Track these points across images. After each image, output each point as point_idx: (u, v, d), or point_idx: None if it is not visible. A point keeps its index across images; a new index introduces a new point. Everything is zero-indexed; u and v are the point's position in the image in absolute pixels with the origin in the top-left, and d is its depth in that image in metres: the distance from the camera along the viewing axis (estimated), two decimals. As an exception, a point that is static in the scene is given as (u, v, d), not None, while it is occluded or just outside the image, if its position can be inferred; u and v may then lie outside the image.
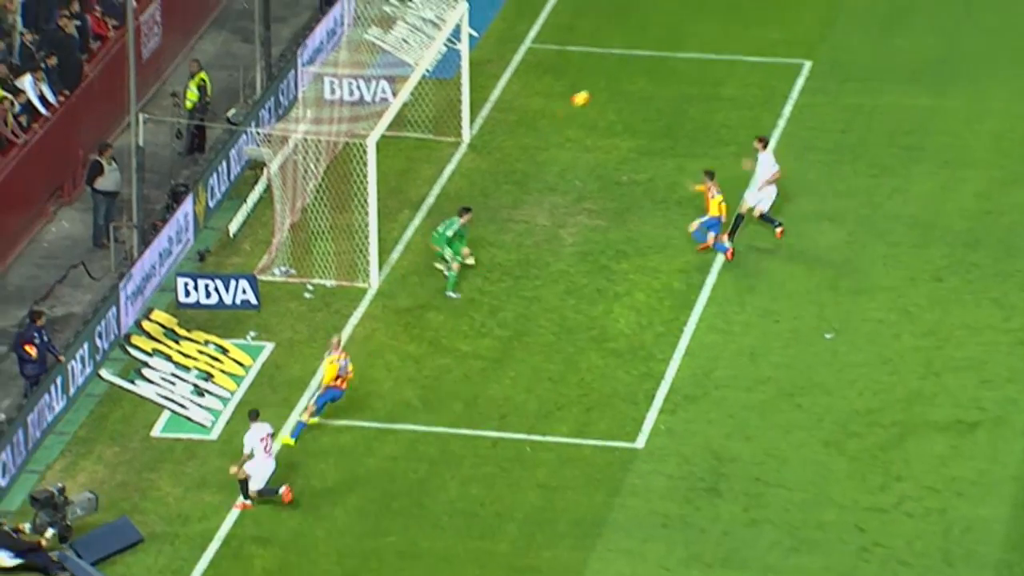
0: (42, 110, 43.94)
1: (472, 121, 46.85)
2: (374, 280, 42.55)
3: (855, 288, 42.00)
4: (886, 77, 48.17)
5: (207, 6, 50.36)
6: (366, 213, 42.52)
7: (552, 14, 51.05)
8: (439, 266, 42.48)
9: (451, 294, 42.20)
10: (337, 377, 38.66)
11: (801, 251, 43.11)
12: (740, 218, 42.93)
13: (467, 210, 42.60)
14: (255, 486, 37.01)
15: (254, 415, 37.33)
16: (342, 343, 39.39)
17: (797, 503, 37.23)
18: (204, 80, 46.16)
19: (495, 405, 39.54)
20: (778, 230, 43.01)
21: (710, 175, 42.58)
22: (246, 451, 36.92)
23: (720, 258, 42.80)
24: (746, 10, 50.77)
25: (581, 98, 46.35)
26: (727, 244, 42.54)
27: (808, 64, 48.78)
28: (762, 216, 43.15)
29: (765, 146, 43.23)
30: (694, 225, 42.59)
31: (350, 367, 38.88)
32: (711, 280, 42.37)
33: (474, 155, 46.06)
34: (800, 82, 48.18)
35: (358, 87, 46.34)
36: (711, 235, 42.63)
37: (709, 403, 39.45)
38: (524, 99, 47.61)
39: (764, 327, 41.27)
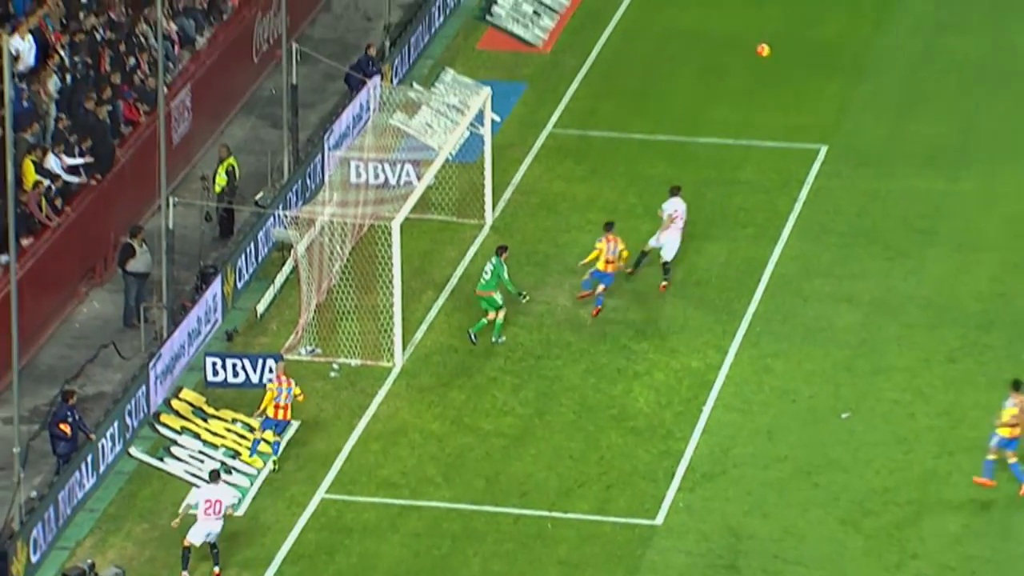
0: (70, 178, 43.88)
1: (495, 204, 46.96)
2: (398, 359, 42.60)
3: (871, 368, 42.01)
4: (900, 161, 48.28)
5: (236, 92, 50.57)
6: (391, 294, 42.60)
7: (573, 99, 51.22)
8: (489, 315, 42.57)
9: (497, 340, 42.47)
10: (276, 406, 39.06)
11: (818, 331, 43.14)
12: (644, 255, 44.02)
13: (504, 248, 42.87)
14: (189, 539, 36.83)
15: (214, 475, 37.62)
16: (283, 368, 39.73)
17: (814, 580, 37.28)
18: (233, 165, 46.35)
19: (516, 482, 39.53)
20: (663, 284, 43.85)
21: (608, 226, 43.19)
22: (189, 501, 37.24)
23: (739, 337, 42.80)
24: (762, 96, 50.94)
25: (766, 50, 46.80)
26: (602, 299, 43.18)
27: (824, 149, 48.89)
28: (664, 264, 43.97)
29: (673, 193, 44.04)
30: (585, 274, 43.42)
31: (296, 392, 39.23)
32: (729, 360, 42.39)
33: (497, 237, 46.15)
34: (816, 166, 48.26)
35: (383, 171, 46.49)
36: (600, 287, 43.14)
37: (727, 481, 39.42)
38: (546, 183, 47.75)
39: (781, 406, 41.27)
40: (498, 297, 42.71)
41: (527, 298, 43.55)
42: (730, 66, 52.05)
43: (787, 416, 40.99)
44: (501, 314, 42.73)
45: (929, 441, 40.19)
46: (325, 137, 48.16)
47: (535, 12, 54.41)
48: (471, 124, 46.24)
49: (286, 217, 44.76)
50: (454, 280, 45.05)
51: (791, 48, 52.56)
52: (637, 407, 41.30)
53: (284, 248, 44.94)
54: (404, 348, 42.81)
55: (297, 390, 39.65)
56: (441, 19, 53.93)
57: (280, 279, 44.80)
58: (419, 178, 45.03)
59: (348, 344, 42.76)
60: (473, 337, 42.74)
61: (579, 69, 52.30)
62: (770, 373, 42.13)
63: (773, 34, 52.89)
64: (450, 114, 46.00)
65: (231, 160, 46.44)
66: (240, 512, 38.63)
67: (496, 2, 54.55)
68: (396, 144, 45.93)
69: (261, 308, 44.25)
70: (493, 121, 47.31)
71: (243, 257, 44.70)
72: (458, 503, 39.06)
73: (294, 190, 46.52)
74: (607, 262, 43.18)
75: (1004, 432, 38.42)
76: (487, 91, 46.93)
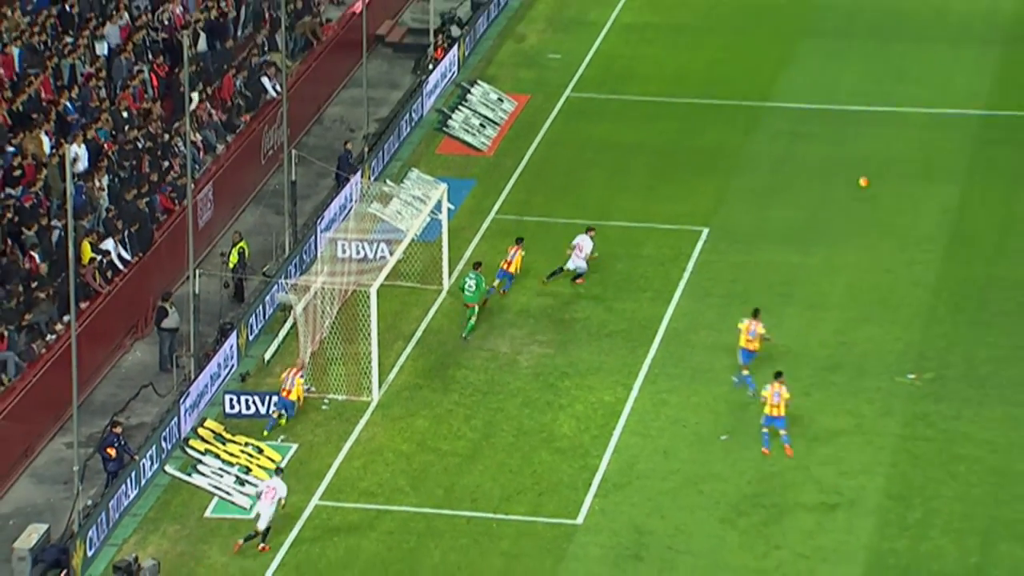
0: (120, 267, 44.01)
1: (451, 273, 46.89)
2: (375, 395, 42.46)
3: (743, 402, 41.98)
4: (764, 240, 48.25)
5: (248, 187, 50.49)
6: (369, 344, 42.49)
7: (511, 192, 51.21)
8: (472, 319, 43.89)
9: (466, 337, 43.67)
10: (284, 390, 40.93)
11: (702, 372, 43.08)
12: (560, 270, 45.54)
13: (479, 264, 44.57)
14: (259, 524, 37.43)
15: (278, 471, 38.12)
16: (304, 365, 41.19)
17: (700, 567, 37.10)
18: (243, 248, 46.25)
19: (468, 491, 39.41)
20: (578, 281, 45.74)
21: (518, 241, 45.36)
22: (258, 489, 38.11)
23: (641, 377, 42.73)
24: (658, 190, 50.98)
25: (864, 182, 47.88)
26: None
27: (706, 231, 48.88)
28: (576, 276, 45.78)
29: (588, 232, 45.66)
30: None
31: (296, 383, 40.75)
32: (633, 394, 42.32)
33: (452, 299, 46.08)
34: (700, 244, 48.25)
35: (363, 248, 46.38)
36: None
37: (632, 490, 39.35)
38: (491, 257, 47.67)
39: (674, 431, 41.21)
40: (477, 307, 43.82)
41: (504, 292, 45.09)
42: (632, 167, 52.12)
43: (679, 439, 40.95)
44: (474, 318, 43.78)
45: (788, 457, 40.18)
46: (317, 222, 48.12)
47: (481, 124, 54.48)
48: (432, 212, 46.22)
49: (287, 284, 44.66)
50: (419, 333, 44.95)
51: (680, 152, 52.70)
52: (562, 432, 41.23)
53: (286, 309, 44.80)
54: (380, 386, 42.69)
55: (298, 383, 40.96)
56: (408, 130, 53.96)
57: (283, 333, 44.65)
58: (391, 254, 44.93)
59: (336, 383, 42.62)
60: (467, 337, 43.85)
61: (516, 168, 52.30)
62: (665, 405, 42.11)
63: (666, 143, 53.26)
64: (415, 204, 45.93)
65: (242, 243, 46.36)
66: (252, 515, 38.42)
67: (451, 116, 54.59)
68: (373, 227, 45.82)
69: (268, 355, 44.10)
70: (449, 209, 47.31)
71: (253, 316, 44.58)
72: (422, 508, 38.90)
73: (293, 263, 46.42)
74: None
75: (770, 411, 39.74)
76: (444, 186, 46.93)
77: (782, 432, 39.96)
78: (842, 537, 37.65)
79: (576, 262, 45.92)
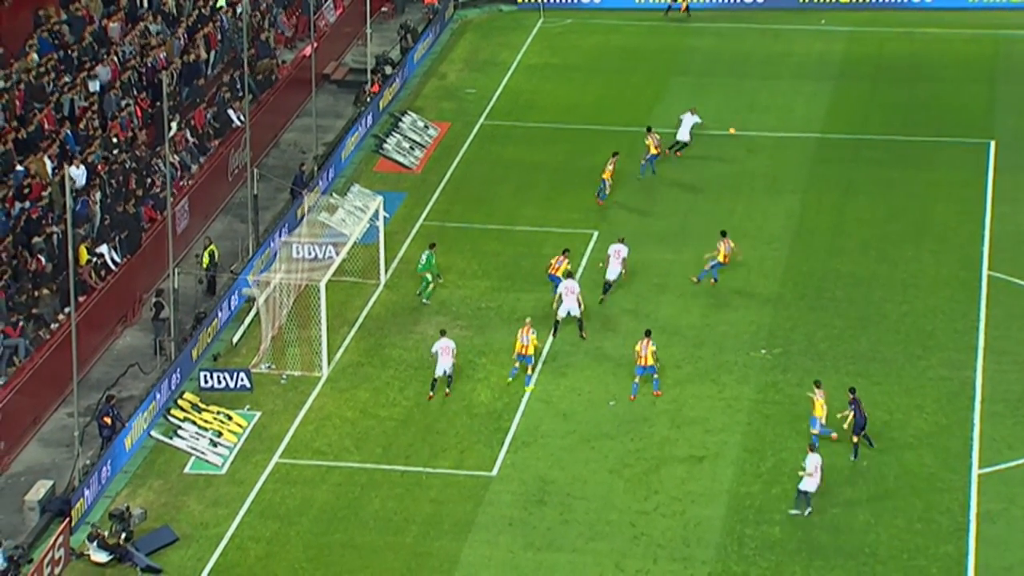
0: (112, 266, 43.53)
1: (387, 270, 46.73)
2: (325, 371, 42.24)
3: (626, 373, 42.06)
4: (644, 241, 47.84)
5: (218, 200, 50.10)
6: (320, 329, 42.27)
7: (436, 203, 51.06)
8: (426, 289, 43.92)
9: (426, 301, 43.52)
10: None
11: (594, 350, 43.14)
12: (609, 285, 44.64)
13: (433, 244, 44.41)
14: (436, 373, 40.23)
15: (443, 332, 40.84)
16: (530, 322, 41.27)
17: (593, 509, 37.18)
18: (214, 250, 45.92)
19: (402, 449, 39.29)
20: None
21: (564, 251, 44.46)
22: (432, 350, 40.40)
23: (545, 353, 42.69)
24: (557, 200, 50.89)
25: (732, 131, 49.17)
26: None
27: (596, 233, 48.81)
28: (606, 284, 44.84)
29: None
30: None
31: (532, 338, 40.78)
32: (539, 369, 42.33)
33: (388, 292, 45.92)
34: (591, 244, 48.25)
35: (315, 250, 46.19)
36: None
37: (537, 447, 39.36)
38: (418, 256, 47.35)
39: (571, 398, 41.24)
40: (429, 276, 44.01)
41: (441, 280, 44.61)
42: (535, 181, 52.05)
43: (575, 404, 40.98)
44: (432, 286, 44.00)
45: (665, 419, 40.31)
46: (277, 228, 47.82)
47: (411, 147, 54.29)
48: (370, 219, 46.02)
49: (251, 280, 44.35)
50: (361, 319, 44.75)
51: (574, 170, 52.64)
52: (480, 400, 41.16)
53: (251, 300, 44.52)
54: (329, 364, 42.47)
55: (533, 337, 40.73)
56: (350, 152, 53.72)
57: (248, 320, 44.35)
58: (337, 254, 44.76)
59: (292, 361, 42.36)
60: (425, 300, 43.82)
61: (439, 184, 52.13)
62: (564, 376, 42.08)
63: (562, 162, 53.24)
64: (357, 213, 45.71)
65: (213, 247, 46.02)
66: (223, 471, 38.14)
67: (385, 140, 54.38)
68: (322, 232, 45.58)
69: (235, 339, 43.78)
70: (384, 217, 47.11)
71: (223, 307, 44.24)
72: (364, 464, 38.78)
73: (256, 263, 46.10)
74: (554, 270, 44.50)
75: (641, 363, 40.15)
76: (380, 198, 46.73)
77: (655, 377, 40.02)
78: (708, 483, 37.85)
79: (614, 270, 44.35)
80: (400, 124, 55.30)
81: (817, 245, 47.80)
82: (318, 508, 37.29)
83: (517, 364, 41.37)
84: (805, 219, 49.29)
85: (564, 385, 41.72)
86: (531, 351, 41.14)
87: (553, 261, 44.86)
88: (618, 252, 45.02)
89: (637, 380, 40.31)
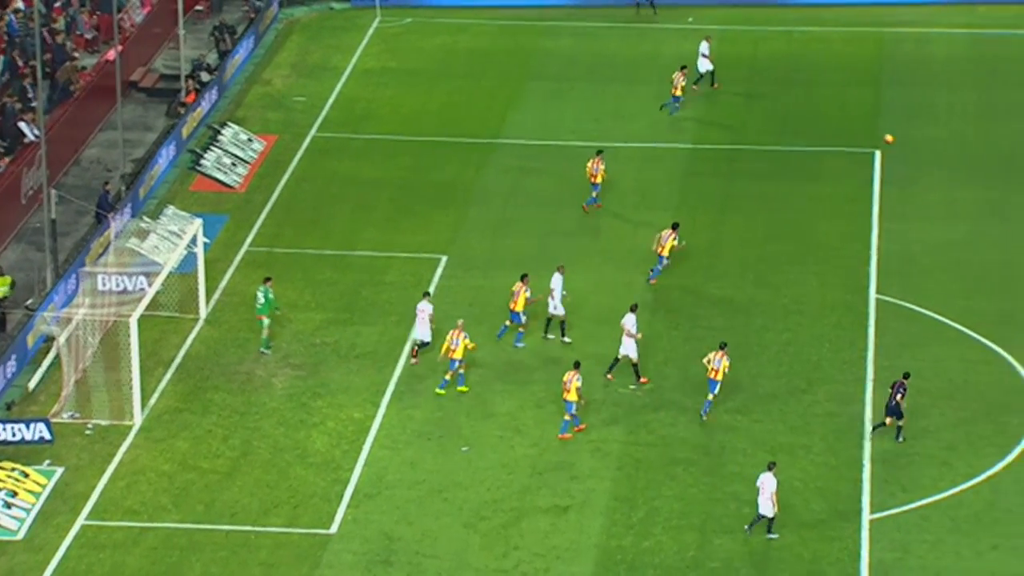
0: None
1: (208, 303, 46.34)
2: (138, 419, 41.73)
3: (482, 414, 42.18)
4: (496, 267, 48.46)
5: (10, 225, 49.30)
6: (131, 371, 41.76)
7: (263, 226, 50.81)
8: (266, 338, 43.70)
9: (264, 351, 43.49)
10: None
11: (447, 389, 43.21)
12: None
13: (269, 279, 44.16)
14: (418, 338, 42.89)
15: (426, 295, 43.59)
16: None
17: (445, 569, 37.15)
18: (6, 283, 45.14)
19: (228, 506, 38.92)
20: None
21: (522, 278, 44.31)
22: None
23: (388, 395, 42.66)
24: (400, 222, 51.01)
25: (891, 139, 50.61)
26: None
27: (445, 258, 49.07)
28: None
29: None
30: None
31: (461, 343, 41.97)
32: (381, 411, 42.25)
33: (209, 327, 45.54)
34: (440, 270, 48.43)
35: (123, 281, 45.58)
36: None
37: (382, 499, 39.25)
38: (244, 287, 47.26)
39: (420, 444, 41.23)
40: (266, 320, 43.31)
41: (279, 312, 44.38)
42: (375, 201, 52.07)
43: (424, 451, 40.97)
44: (266, 330, 43.44)
45: (525, 465, 40.46)
46: (79, 258, 47.14)
47: (232, 163, 53.94)
48: (188, 245, 45.61)
49: (50, 317, 43.66)
50: (178, 359, 44.30)
51: (419, 187, 52.77)
52: (315, 448, 40.97)
53: (50, 340, 43.83)
54: (142, 410, 41.96)
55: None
56: (163, 169, 53.22)
57: (47, 362, 43.63)
58: (150, 285, 44.27)
59: (100, 408, 41.78)
60: (263, 350, 43.69)
61: (266, 204, 51.90)
62: (411, 420, 42.09)
63: (405, 178, 53.31)
64: (172, 238, 45.29)
65: (4, 279, 45.21)
66: (20, 536, 37.41)
67: (203, 156, 53.97)
68: (132, 261, 45.05)
69: (32, 384, 43.02)
70: (204, 243, 46.75)
71: (18, 348, 43.45)
72: (184, 523, 38.32)
73: (56, 297, 45.39)
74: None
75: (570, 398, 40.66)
76: (199, 221, 46.36)
77: (574, 415, 40.74)
78: (574, 536, 38.00)
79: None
80: (220, 137, 54.95)
81: (691, 268, 48.39)
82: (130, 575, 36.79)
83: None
84: (678, 239, 49.90)
85: (411, 429, 41.69)
86: (459, 355, 41.92)
87: (514, 289, 44.28)
88: (423, 311, 44.26)
89: (567, 417, 40.57)
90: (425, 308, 43.55)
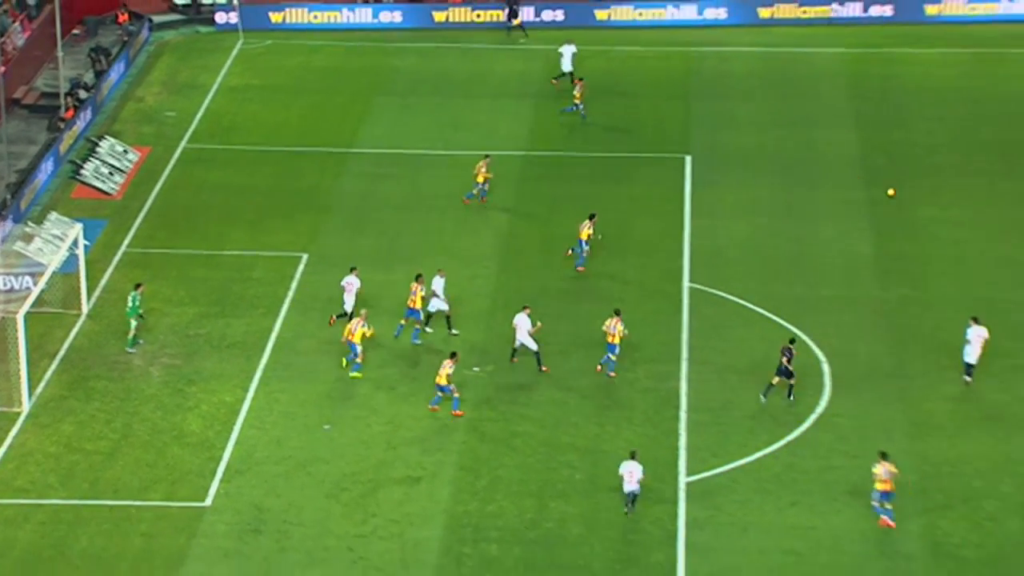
0: None
1: (89, 299, 45.58)
2: (26, 406, 40.91)
3: (342, 396, 41.97)
4: (354, 262, 48.12)
5: (-96, 230, 48.04)
6: (19, 362, 40.92)
7: (139, 229, 50.08)
8: (132, 331, 42.79)
9: (130, 350, 42.48)
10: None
11: (308, 374, 42.86)
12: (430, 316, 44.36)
13: (139, 284, 43.37)
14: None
15: (352, 269, 43.37)
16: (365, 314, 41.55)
17: (311, 536, 36.96)
18: None
19: (111, 484, 38.36)
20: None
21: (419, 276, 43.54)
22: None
23: (256, 379, 42.30)
24: (265, 224, 50.51)
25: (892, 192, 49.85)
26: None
27: (306, 256, 48.74)
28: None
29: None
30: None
31: (358, 330, 41.38)
32: (250, 395, 41.87)
33: (91, 322, 44.81)
34: (301, 267, 48.07)
35: (11, 281, 44.79)
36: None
37: (252, 475, 38.94)
38: (122, 284, 46.53)
39: (286, 424, 40.95)
40: (134, 322, 42.55)
41: (144, 319, 43.46)
42: (242, 205, 51.54)
43: (290, 430, 40.71)
44: (133, 331, 42.62)
45: (380, 441, 40.36)
46: (-31, 259, 46.12)
47: (110, 172, 53.12)
48: (70, 248, 44.84)
49: (-57, 314, 42.65)
50: (63, 351, 43.53)
51: (281, 192, 52.34)
52: (191, 429, 40.52)
53: (-58, 335, 42.80)
54: (29, 398, 41.15)
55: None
56: (45, 178, 52.23)
57: (-60, 357, 42.61)
58: (35, 284, 43.45)
59: (-10, 398, 40.95)
60: (129, 348, 42.68)
61: (142, 209, 51.15)
62: (278, 402, 41.80)
63: (269, 185, 52.85)
64: (55, 241, 44.48)
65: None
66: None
67: (83, 166, 53.08)
68: (18, 262, 44.20)
69: (-73, 377, 42.00)
70: (85, 245, 45.97)
71: (-87, 343, 42.36)
72: (70, 500, 37.72)
73: (-52, 296, 44.35)
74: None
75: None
76: (80, 225, 45.57)
77: (455, 396, 40.43)
78: (425, 504, 38.00)
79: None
80: (98, 149, 54.07)
81: (526, 262, 48.57)
82: (21, 549, 36.05)
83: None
84: (514, 237, 50.10)
85: (277, 410, 41.39)
86: (357, 340, 41.70)
87: (412, 288, 43.68)
88: (351, 284, 44.36)
89: (440, 395, 40.52)
90: (353, 282, 43.60)
